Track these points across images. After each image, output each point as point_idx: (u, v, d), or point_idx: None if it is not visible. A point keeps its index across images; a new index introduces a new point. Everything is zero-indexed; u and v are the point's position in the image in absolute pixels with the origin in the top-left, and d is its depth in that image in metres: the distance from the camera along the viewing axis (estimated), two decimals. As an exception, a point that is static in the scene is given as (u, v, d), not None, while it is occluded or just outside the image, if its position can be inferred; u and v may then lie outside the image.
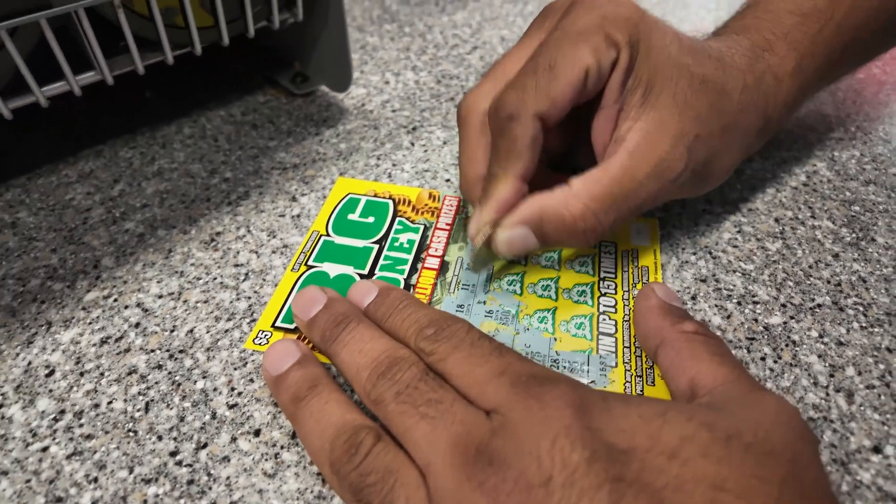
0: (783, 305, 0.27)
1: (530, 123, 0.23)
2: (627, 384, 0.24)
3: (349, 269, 0.28)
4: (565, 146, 0.29)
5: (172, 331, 0.26)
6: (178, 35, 0.30)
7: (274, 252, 0.29)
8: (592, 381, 0.24)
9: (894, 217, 0.31)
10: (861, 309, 0.27)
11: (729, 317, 0.27)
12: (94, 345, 0.25)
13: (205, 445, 0.22)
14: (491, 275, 0.28)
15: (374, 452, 0.19)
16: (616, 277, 0.28)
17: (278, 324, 0.26)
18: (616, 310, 0.26)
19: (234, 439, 0.22)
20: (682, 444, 0.16)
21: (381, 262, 0.28)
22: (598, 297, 0.27)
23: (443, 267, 0.28)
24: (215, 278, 0.28)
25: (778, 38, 0.28)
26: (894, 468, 0.22)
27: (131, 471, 0.21)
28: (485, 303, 0.27)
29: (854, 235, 0.30)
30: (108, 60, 0.28)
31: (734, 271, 0.28)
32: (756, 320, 0.26)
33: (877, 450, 0.22)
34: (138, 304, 0.27)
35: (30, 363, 0.25)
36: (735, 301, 0.27)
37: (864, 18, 0.29)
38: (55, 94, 0.27)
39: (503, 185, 0.24)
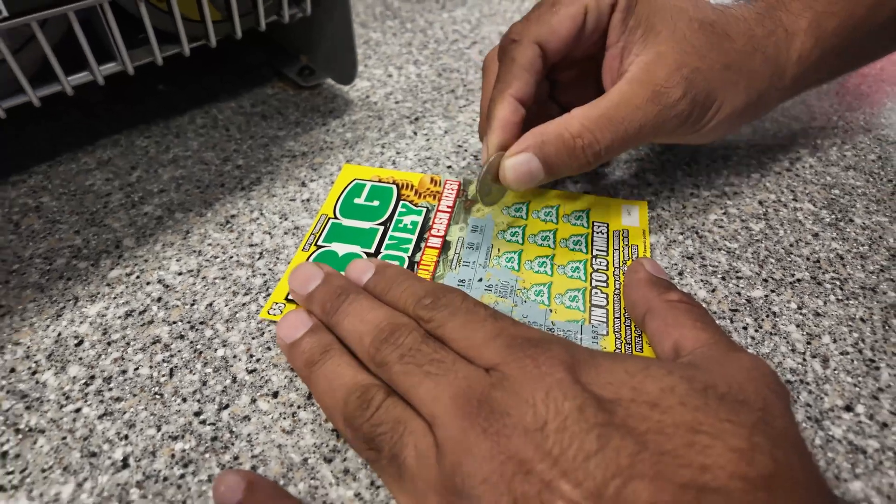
0: (765, 280, 0.29)
1: (529, 47, 0.26)
2: (617, 350, 0.25)
3: (356, 248, 0.30)
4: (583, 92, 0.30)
5: (192, 304, 0.28)
6: (194, 28, 0.31)
7: (286, 233, 0.31)
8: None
9: (872, 199, 0.33)
10: (838, 283, 0.29)
11: (714, 290, 0.28)
12: (119, 317, 0.27)
13: (227, 406, 0.24)
14: (487, 249, 0.30)
15: (384, 406, 0.20)
16: (607, 255, 0.30)
17: (291, 297, 0.27)
18: (607, 284, 0.28)
19: (253, 400, 0.24)
20: (663, 394, 0.18)
21: (386, 241, 0.30)
22: (591, 273, 0.29)
23: (445, 246, 0.30)
24: (231, 257, 0.30)
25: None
26: (864, 424, 0.23)
27: (159, 429, 0.23)
28: (484, 279, 0.28)
29: (833, 216, 0.32)
30: (129, 52, 0.30)
31: (719, 249, 0.30)
32: (739, 293, 0.28)
33: (848, 408, 0.24)
34: (159, 281, 0.29)
35: (59, 334, 0.26)
36: (720, 276, 0.29)
37: None
38: (79, 84, 0.29)
39: (500, 106, 0.26)
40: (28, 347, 0.26)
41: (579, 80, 0.30)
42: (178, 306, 0.28)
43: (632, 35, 0.26)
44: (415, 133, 0.38)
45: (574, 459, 0.17)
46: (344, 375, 0.22)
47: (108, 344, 0.26)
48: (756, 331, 0.27)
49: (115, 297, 0.28)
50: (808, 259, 0.30)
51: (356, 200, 0.33)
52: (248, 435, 0.23)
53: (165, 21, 0.30)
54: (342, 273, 0.26)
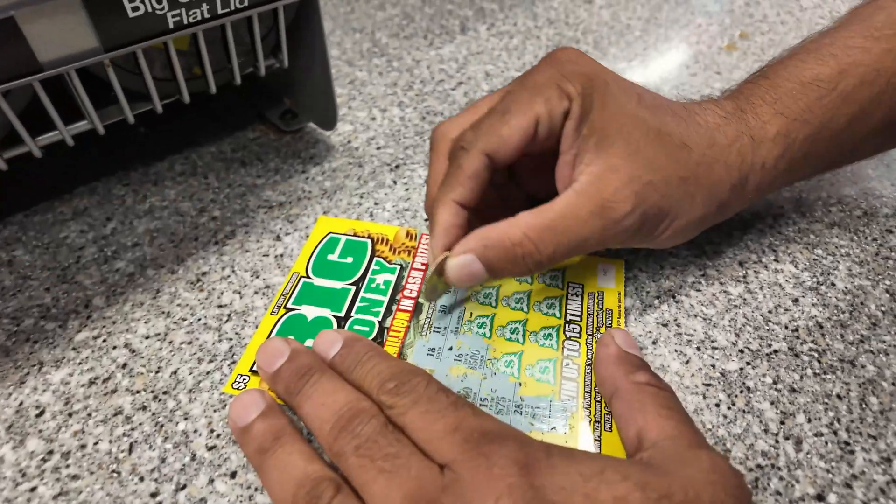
0: (741, 351, 0.28)
1: (477, 157, 0.26)
2: (585, 430, 0.25)
3: (326, 312, 0.29)
4: (548, 191, 0.30)
5: (157, 371, 0.27)
6: (167, 87, 0.31)
7: (256, 293, 0.31)
8: (553, 428, 0.25)
9: (855, 261, 0.33)
10: (816, 355, 0.28)
11: (688, 362, 0.28)
12: (83, 385, 0.27)
13: (184, 487, 0.23)
14: (459, 313, 0.29)
15: None
16: (581, 321, 0.29)
17: (256, 368, 0.27)
18: (579, 354, 0.28)
19: (211, 481, 0.24)
20: (616, 503, 0.18)
21: (357, 303, 0.30)
22: (563, 341, 0.28)
23: (417, 308, 0.30)
24: (199, 319, 0.29)
25: (766, 103, 0.28)
26: (835, 516, 0.23)
27: (114, 511, 0.23)
28: (454, 347, 0.28)
29: (815, 279, 0.32)
30: (100, 111, 0.29)
31: (695, 316, 0.30)
32: (713, 366, 0.28)
33: (820, 497, 0.23)
34: (126, 345, 0.28)
35: (21, 403, 0.26)
36: (695, 346, 0.28)
37: (879, 94, 0.28)
38: (48, 144, 0.29)
39: (443, 210, 0.26)
40: (-11, 417, 0.26)
41: (538, 170, 0.29)
42: (142, 373, 0.27)
43: (584, 144, 0.26)
44: (394, 182, 0.38)
45: None
46: (295, 466, 0.21)
47: (70, 415, 0.26)
48: (729, 408, 0.26)
49: (80, 363, 0.28)
50: (786, 328, 0.29)
51: (329, 256, 0.32)
52: (204, 519, 0.23)
53: (136, 81, 0.30)
54: (309, 348, 0.26)
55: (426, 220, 0.35)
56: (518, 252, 0.25)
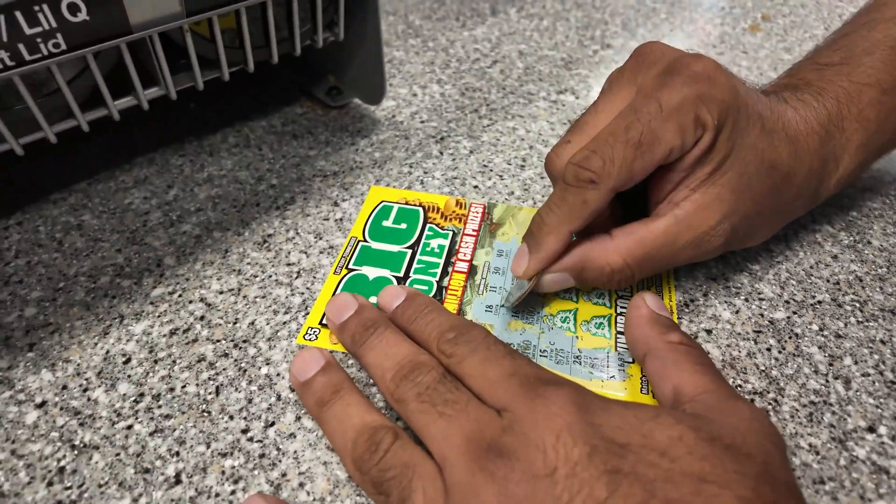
0: (787, 302, 0.30)
1: (606, 194, 0.25)
2: (644, 378, 0.26)
3: (386, 272, 0.31)
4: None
5: (235, 323, 0.29)
6: (233, 54, 0.32)
7: (321, 252, 0.32)
8: (612, 376, 0.26)
9: (889, 221, 0.34)
10: (858, 305, 0.30)
11: (737, 312, 0.29)
12: (165, 335, 0.28)
13: (272, 424, 0.25)
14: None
15: (392, 449, 0.21)
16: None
17: (325, 321, 0.28)
18: (634, 307, 0.29)
19: (298, 418, 0.25)
20: (672, 442, 0.19)
21: (414, 265, 0.31)
22: (616, 299, 0.30)
23: (471, 270, 0.31)
24: (270, 276, 0.31)
25: (852, 116, 0.29)
26: (887, 445, 0.24)
27: (208, 446, 0.24)
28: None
29: (852, 238, 0.33)
30: (173, 77, 0.31)
31: (741, 271, 0.31)
32: (762, 315, 0.29)
33: (871, 429, 0.25)
34: (201, 300, 0.30)
35: (108, 352, 0.27)
36: (743, 298, 0.30)
37: None
38: (124, 108, 0.30)
39: (553, 239, 0.26)
40: (78, 365, 0.27)
41: None
42: (220, 325, 0.29)
43: (698, 169, 0.25)
44: (441, 153, 0.39)
45: None
46: (353, 416, 0.23)
47: (155, 362, 0.27)
48: (780, 352, 0.28)
49: (158, 316, 0.29)
50: (827, 281, 0.31)
51: (384, 223, 0.34)
52: (295, 452, 0.24)
53: (207, 48, 0.31)
54: (374, 304, 0.27)
55: (484, 195, 0.36)
56: (616, 278, 0.27)
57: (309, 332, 0.28)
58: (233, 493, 0.23)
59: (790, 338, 0.28)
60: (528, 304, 0.29)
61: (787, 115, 0.28)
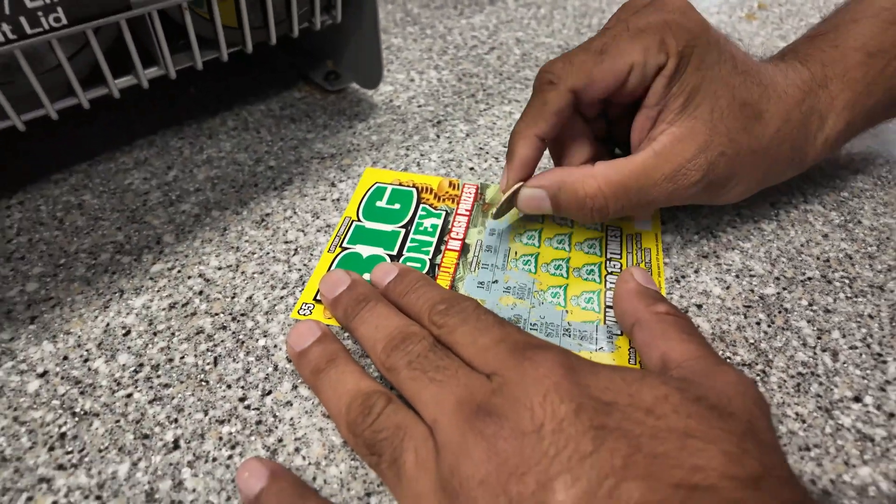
0: (777, 278, 0.30)
1: (563, 94, 0.26)
2: (632, 350, 0.27)
3: (380, 251, 0.31)
4: (620, 137, 0.31)
5: (233, 297, 0.29)
6: (231, 35, 0.33)
7: (318, 231, 0.33)
8: (601, 348, 0.27)
9: (879, 202, 0.35)
10: (847, 282, 0.30)
11: (728, 287, 0.30)
12: (164, 309, 0.29)
13: (269, 392, 0.25)
14: (504, 252, 0.31)
15: (385, 412, 0.22)
16: (621, 258, 0.31)
17: (319, 298, 0.29)
18: (625, 283, 0.29)
19: (295, 387, 0.25)
20: (657, 401, 0.19)
21: (408, 244, 0.32)
22: (605, 276, 0.30)
23: (464, 248, 0.31)
24: (268, 253, 0.31)
25: (837, 76, 0.29)
26: (872, 414, 0.25)
27: (206, 413, 0.25)
28: (502, 280, 0.30)
29: (842, 218, 0.34)
30: (173, 56, 0.31)
31: (733, 248, 0.32)
32: (752, 290, 0.30)
33: (857, 399, 0.25)
34: (200, 275, 0.30)
35: (108, 324, 0.28)
36: (734, 274, 0.30)
37: None
38: (124, 87, 0.31)
39: (522, 143, 0.27)
40: (79, 336, 0.27)
41: (621, 116, 0.30)
42: (219, 299, 0.29)
43: (672, 102, 0.26)
44: (437, 136, 0.39)
45: (569, 460, 0.17)
46: (347, 383, 0.23)
47: (154, 334, 0.28)
48: (769, 326, 0.28)
49: (158, 290, 0.29)
50: (818, 258, 0.31)
51: (378, 203, 0.34)
52: (291, 419, 0.24)
53: (206, 28, 0.32)
54: (367, 279, 0.28)
55: (479, 177, 0.37)
56: (588, 203, 0.27)
57: (303, 307, 0.28)
58: (230, 457, 0.23)
59: (780, 312, 0.29)
60: (528, 224, 0.31)
61: (766, 68, 0.29)
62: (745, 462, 0.17)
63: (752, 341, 0.27)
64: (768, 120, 0.28)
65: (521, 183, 0.28)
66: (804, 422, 0.24)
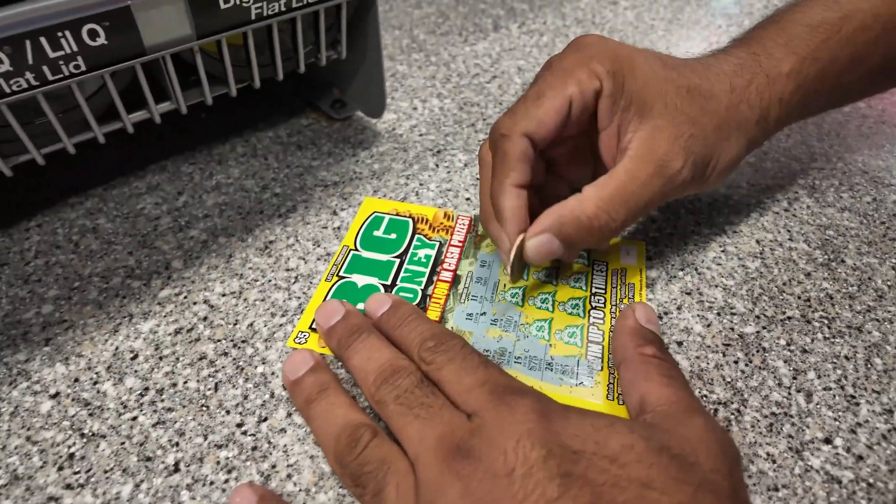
0: (757, 317, 0.31)
1: (518, 140, 0.28)
2: (610, 385, 0.28)
3: (374, 280, 0.33)
4: (585, 174, 0.32)
5: (235, 324, 0.31)
6: (240, 72, 0.34)
7: (318, 259, 0.34)
8: (581, 383, 0.28)
9: (864, 241, 0.35)
10: (826, 322, 0.31)
11: (709, 325, 0.31)
12: (170, 334, 0.30)
13: (265, 419, 0.27)
14: (493, 284, 0.32)
15: (371, 446, 0.23)
16: (605, 293, 0.32)
17: (315, 325, 0.30)
18: (604, 321, 0.31)
19: (289, 415, 0.27)
20: (623, 450, 0.20)
21: (402, 274, 0.33)
22: (589, 311, 0.31)
23: (455, 280, 0.33)
24: (270, 280, 0.33)
25: (777, 45, 0.31)
26: (841, 456, 0.26)
27: (206, 438, 0.26)
28: (490, 313, 0.31)
29: (826, 257, 0.35)
30: (182, 93, 0.33)
31: (716, 286, 0.33)
32: (732, 329, 0.31)
33: (827, 441, 0.26)
34: (205, 301, 0.32)
35: (117, 348, 0.30)
36: (715, 312, 0.31)
37: (875, 39, 0.32)
38: (138, 121, 0.32)
39: (505, 197, 0.28)
40: (90, 359, 0.29)
41: (573, 155, 0.31)
42: (221, 325, 0.31)
43: (625, 114, 0.28)
44: (437, 165, 0.41)
45: None
46: (337, 415, 0.25)
47: (160, 359, 0.29)
48: (746, 365, 0.29)
49: (165, 316, 0.31)
50: (799, 298, 0.32)
51: (375, 233, 0.35)
52: (285, 446, 0.26)
53: (215, 66, 0.33)
54: (361, 310, 0.29)
55: (474, 209, 0.38)
56: (594, 224, 0.28)
57: (299, 335, 0.30)
58: (226, 481, 0.25)
59: (757, 351, 0.30)
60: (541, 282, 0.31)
61: (696, 59, 0.31)
62: None
63: (728, 380, 0.28)
64: (718, 95, 0.29)
65: (521, 236, 0.28)
66: (774, 462, 0.26)
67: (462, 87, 0.48)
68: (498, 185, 0.28)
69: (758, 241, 0.35)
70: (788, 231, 0.36)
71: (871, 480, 0.25)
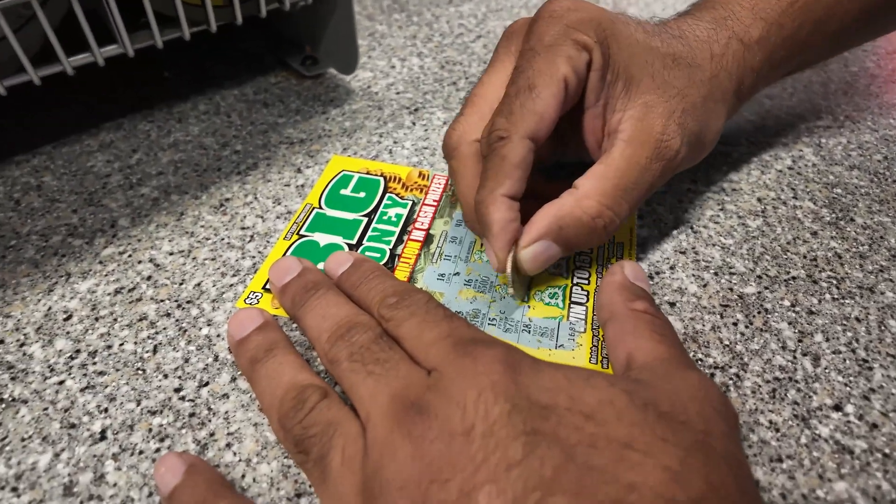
0: (759, 277, 0.28)
1: (520, 144, 0.24)
2: (594, 348, 0.25)
3: (338, 239, 0.30)
4: (553, 153, 0.29)
5: (181, 283, 0.28)
6: (195, 12, 0.32)
7: (278, 217, 0.31)
8: (561, 345, 0.25)
9: (875, 199, 0.33)
10: (834, 282, 0.28)
11: (705, 285, 0.28)
12: (109, 294, 0.27)
13: (206, 384, 0.24)
14: (470, 243, 0.29)
15: (318, 408, 0.20)
16: (592, 252, 0.29)
17: (268, 286, 0.27)
18: (589, 281, 0.28)
19: (233, 379, 0.24)
20: (601, 406, 0.17)
21: (369, 233, 0.30)
22: (573, 270, 0.28)
23: (427, 239, 0.30)
24: (223, 238, 0.30)
25: (744, 9, 0.29)
26: (853, 424, 0.23)
27: (139, 403, 0.23)
28: (464, 273, 0.28)
29: (834, 215, 0.32)
30: (130, 35, 0.30)
31: (714, 245, 0.30)
32: (731, 289, 0.28)
33: (837, 408, 0.23)
34: (151, 260, 0.29)
35: (50, 308, 0.27)
36: (712, 272, 0.28)
37: (835, 4, 0.29)
38: (81, 65, 0.30)
39: (494, 209, 0.24)
40: (18, 320, 0.26)
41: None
42: (166, 285, 0.28)
43: (613, 89, 0.25)
44: (413, 123, 0.38)
45: (496, 468, 0.16)
46: (284, 375, 0.22)
47: (96, 319, 0.26)
48: (746, 327, 0.26)
49: (105, 275, 0.28)
50: (804, 257, 0.29)
51: (342, 191, 0.33)
52: (226, 412, 0.23)
53: (166, 5, 0.30)
54: (320, 267, 0.26)
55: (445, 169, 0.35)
56: (599, 224, 0.25)
57: (251, 295, 0.27)
58: (157, 450, 0.22)
59: (759, 313, 0.27)
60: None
61: (669, 23, 0.28)
62: (686, 481, 0.16)
63: (726, 343, 0.26)
64: (701, 64, 0.27)
65: (512, 250, 0.25)
66: (777, 430, 0.23)
67: (445, 47, 0.46)
68: (488, 194, 0.24)
69: (759, 200, 0.32)
70: (793, 189, 0.33)
71: (886, 451, 0.22)
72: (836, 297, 0.27)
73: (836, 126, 0.38)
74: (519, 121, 0.24)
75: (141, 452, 0.22)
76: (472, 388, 0.18)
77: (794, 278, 0.28)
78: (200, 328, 0.26)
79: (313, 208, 0.31)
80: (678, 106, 0.26)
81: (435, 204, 0.32)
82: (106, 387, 0.24)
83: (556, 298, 0.27)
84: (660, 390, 0.19)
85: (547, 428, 0.17)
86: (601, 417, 0.17)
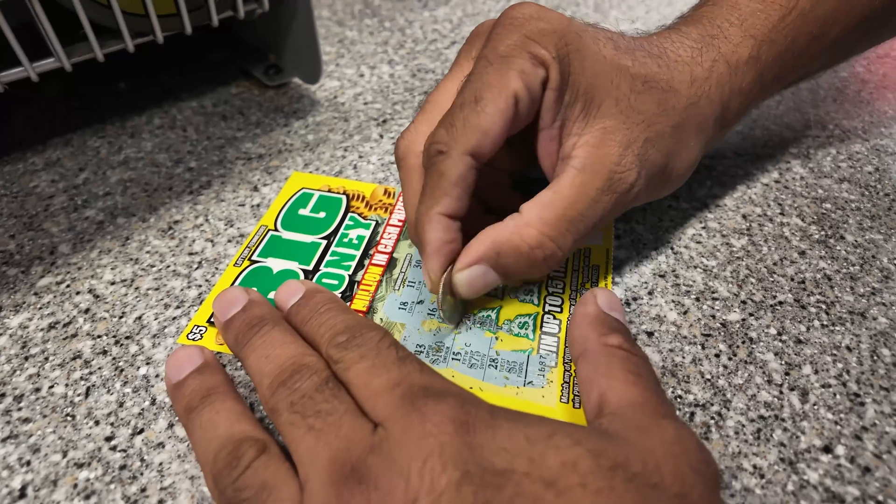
0: (743, 302, 0.26)
1: (459, 160, 0.22)
2: (565, 384, 0.23)
3: (294, 265, 0.28)
4: (517, 165, 0.27)
5: (121, 317, 0.26)
6: (140, 23, 0.29)
7: (230, 241, 0.29)
8: (530, 382, 0.23)
9: (866, 215, 0.31)
10: (824, 307, 0.26)
11: (685, 312, 0.26)
12: (42, 329, 0.25)
13: (141, 431, 0.22)
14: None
15: (253, 466, 0.18)
16: (565, 276, 0.27)
17: (213, 319, 0.25)
18: (562, 309, 0.26)
19: (171, 426, 0.22)
20: (563, 470, 0.15)
21: (327, 257, 0.28)
22: (545, 297, 0.26)
23: (391, 263, 0.28)
24: (168, 266, 0.28)
25: (732, 25, 0.26)
26: (844, 468, 0.21)
27: (65, 455, 0.21)
28: (427, 301, 0.26)
29: (823, 233, 0.30)
30: (68, 48, 0.28)
31: (695, 267, 0.28)
32: (714, 316, 0.26)
33: (827, 449, 0.22)
34: (90, 291, 0.27)
35: (-24, 347, 0.25)
36: (693, 297, 0.27)
37: (834, 12, 0.27)
38: (13, 80, 0.27)
39: (430, 228, 0.22)
40: (-60, 361, 0.24)
41: (506, 143, 0.25)
42: (105, 318, 0.26)
43: (569, 111, 0.23)
44: (381, 136, 0.36)
45: None
46: (220, 426, 0.20)
47: (26, 359, 0.24)
48: (730, 359, 0.24)
49: (40, 308, 0.26)
50: (792, 280, 0.27)
51: (301, 211, 0.30)
52: (160, 464, 0.21)
53: (107, 16, 0.28)
54: (271, 297, 0.24)
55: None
56: (538, 255, 0.22)
57: (194, 330, 0.25)
58: (80, 511, 0.20)
59: (743, 343, 0.25)
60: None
61: (649, 39, 0.26)
62: None
63: (708, 377, 0.24)
64: (677, 88, 0.24)
65: (447, 271, 0.23)
66: (762, 476, 0.21)
67: (417, 54, 0.43)
68: (423, 211, 0.22)
69: (744, 216, 0.31)
70: (780, 204, 0.31)
71: (880, 497, 0.20)
72: (825, 323, 0.26)
73: (826, 135, 0.36)
74: (460, 135, 0.22)
75: (62, 513, 0.20)
76: (419, 453, 0.16)
77: (780, 303, 0.26)
78: (138, 367, 0.24)
79: (268, 230, 0.29)
80: (640, 135, 0.23)
81: (400, 224, 0.30)
82: (30, 436, 0.22)
83: (527, 329, 0.25)
84: (631, 446, 0.17)
85: (501, 499, 0.15)
86: (563, 484, 0.15)
